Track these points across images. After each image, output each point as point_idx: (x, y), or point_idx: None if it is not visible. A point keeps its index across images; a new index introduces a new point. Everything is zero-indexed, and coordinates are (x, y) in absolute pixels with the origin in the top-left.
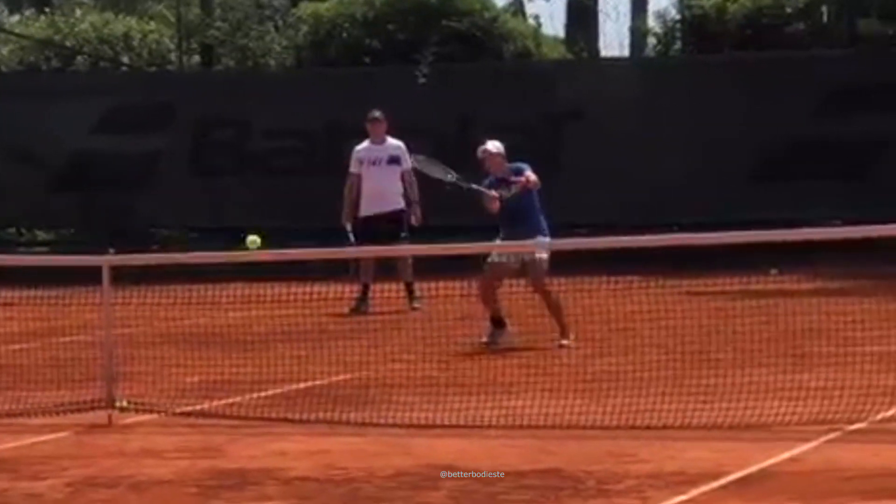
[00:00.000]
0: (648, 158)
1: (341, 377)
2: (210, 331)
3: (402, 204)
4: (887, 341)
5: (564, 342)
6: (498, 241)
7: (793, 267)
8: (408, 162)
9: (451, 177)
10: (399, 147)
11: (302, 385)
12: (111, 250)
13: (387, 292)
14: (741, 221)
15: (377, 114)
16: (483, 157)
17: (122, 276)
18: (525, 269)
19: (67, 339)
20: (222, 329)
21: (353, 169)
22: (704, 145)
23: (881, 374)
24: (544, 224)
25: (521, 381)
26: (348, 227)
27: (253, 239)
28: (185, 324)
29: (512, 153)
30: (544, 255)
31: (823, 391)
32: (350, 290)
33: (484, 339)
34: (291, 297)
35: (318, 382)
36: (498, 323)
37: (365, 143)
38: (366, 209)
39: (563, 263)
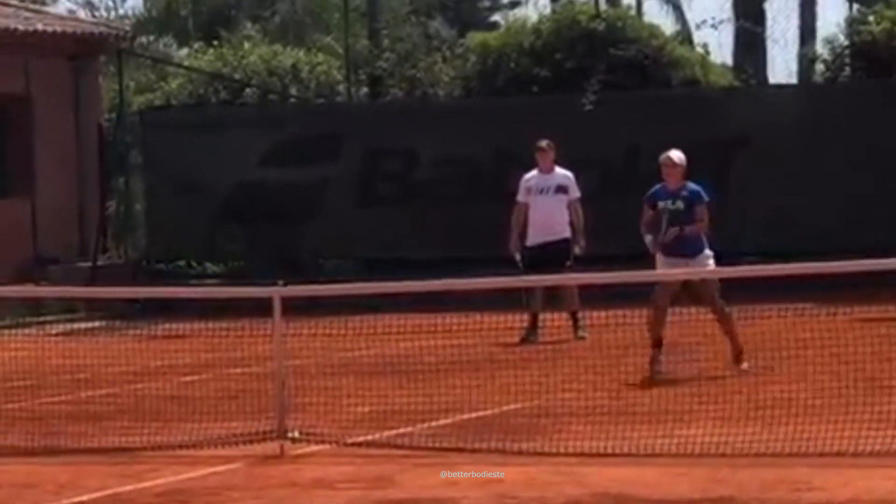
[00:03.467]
0: (817, 185)
1: (512, 406)
2: (381, 361)
3: (568, 233)
4: None
5: (743, 366)
6: (659, 259)
7: None
8: (576, 191)
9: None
10: (567, 176)
11: (473, 414)
12: (280, 282)
13: (556, 321)
14: None
15: (545, 143)
16: (664, 164)
17: (292, 308)
18: (693, 288)
19: (239, 370)
20: (393, 359)
21: (520, 198)
22: (873, 171)
23: None
24: (704, 241)
25: (693, 409)
26: (517, 255)
27: None
28: (355, 354)
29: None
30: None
31: None
32: (519, 320)
33: (660, 369)
34: (461, 327)
35: (489, 412)
36: (659, 344)
37: (533, 172)
38: (533, 238)
39: (731, 291)
